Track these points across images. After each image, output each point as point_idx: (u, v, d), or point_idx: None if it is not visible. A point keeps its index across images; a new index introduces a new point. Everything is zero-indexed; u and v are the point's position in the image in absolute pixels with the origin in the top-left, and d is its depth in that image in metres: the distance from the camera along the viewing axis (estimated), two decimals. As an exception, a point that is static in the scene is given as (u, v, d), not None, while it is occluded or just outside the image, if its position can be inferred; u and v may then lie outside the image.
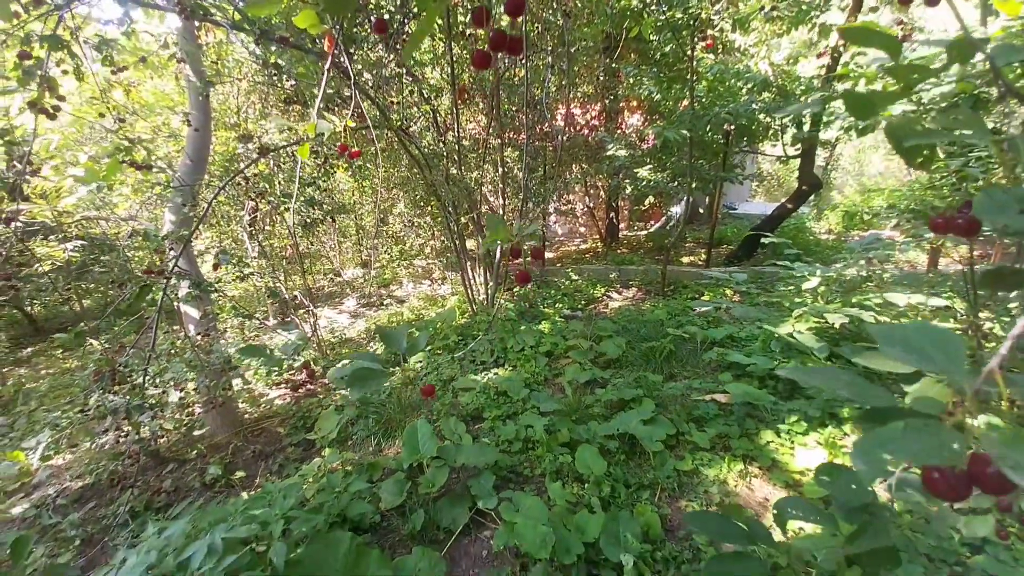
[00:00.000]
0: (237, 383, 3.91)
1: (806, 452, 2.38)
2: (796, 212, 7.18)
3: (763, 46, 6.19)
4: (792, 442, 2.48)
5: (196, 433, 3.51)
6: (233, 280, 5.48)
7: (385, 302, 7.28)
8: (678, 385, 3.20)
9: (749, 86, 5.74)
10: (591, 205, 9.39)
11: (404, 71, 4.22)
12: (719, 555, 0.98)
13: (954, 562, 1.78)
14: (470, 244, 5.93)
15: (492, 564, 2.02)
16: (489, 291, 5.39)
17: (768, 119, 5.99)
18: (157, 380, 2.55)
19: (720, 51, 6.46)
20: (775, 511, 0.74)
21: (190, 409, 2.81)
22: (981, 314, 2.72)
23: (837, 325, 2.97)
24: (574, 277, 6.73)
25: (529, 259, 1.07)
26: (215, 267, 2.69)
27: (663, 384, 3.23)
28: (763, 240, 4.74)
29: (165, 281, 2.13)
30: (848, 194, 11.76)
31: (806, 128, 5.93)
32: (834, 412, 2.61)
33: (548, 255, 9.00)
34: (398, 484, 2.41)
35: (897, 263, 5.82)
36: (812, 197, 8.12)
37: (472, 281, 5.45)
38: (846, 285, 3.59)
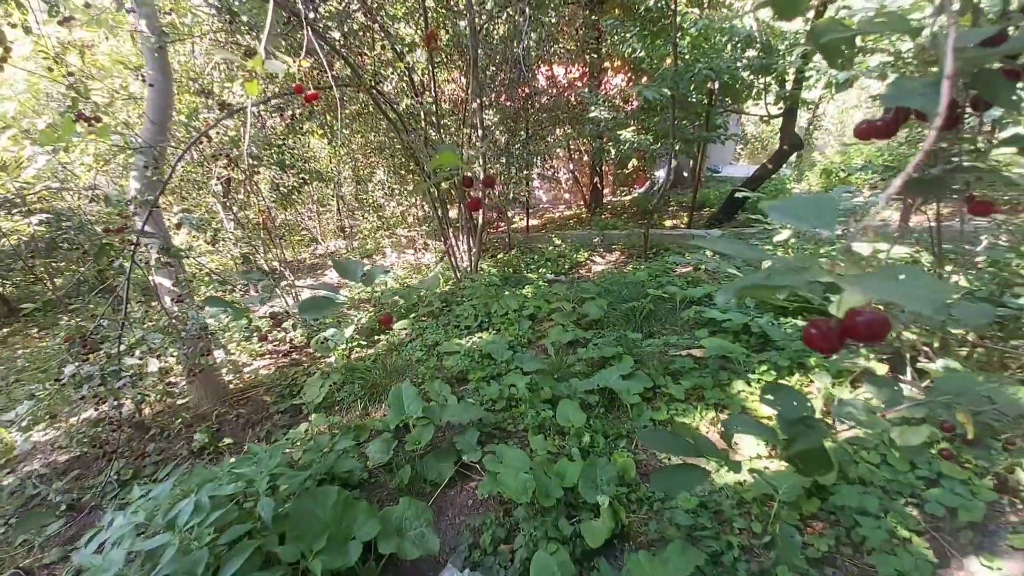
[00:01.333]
0: (220, 355, 3.88)
1: (775, 399, 2.48)
2: (776, 173, 7.19)
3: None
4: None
5: (180, 403, 3.51)
6: (206, 251, 5.35)
7: (368, 272, 7.21)
8: (656, 342, 3.28)
9: (734, 42, 5.61)
10: (575, 170, 9.27)
11: (373, 21, 4.01)
12: (666, 467, 1.04)
13: (909, 494, 1.89)
14: (452, 212, 5.85)
15: (477, 512, 2.11)
16: (472, 257, 5.37)
17: (752, 77, 5.91)
18: (137, 352, 2.52)
19: (705, 5, 6.27)
20: (722, 427, 0.78)
21: (170, 379, 2.79)
22: (946, 267, 2.81)
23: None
24: (558, 243, 6.73)
25: (482, 184, 1.06)
26: (178, 226, 2.62)
27: (642, 342, 3.31)
28: (737, 195, 4.77)
29: (133, 246, 2.07)
30: (829, 155, 11.80)
31: (789, 86, 5.87)
32: (802, 362, 2.71)
33: (532, 222, 8.94)
34: (385, 443, 2.47)
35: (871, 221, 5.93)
36: (793, 158, 8.13)
37: (455, 248, 5.42)
38: (821, 242, 3.66)
